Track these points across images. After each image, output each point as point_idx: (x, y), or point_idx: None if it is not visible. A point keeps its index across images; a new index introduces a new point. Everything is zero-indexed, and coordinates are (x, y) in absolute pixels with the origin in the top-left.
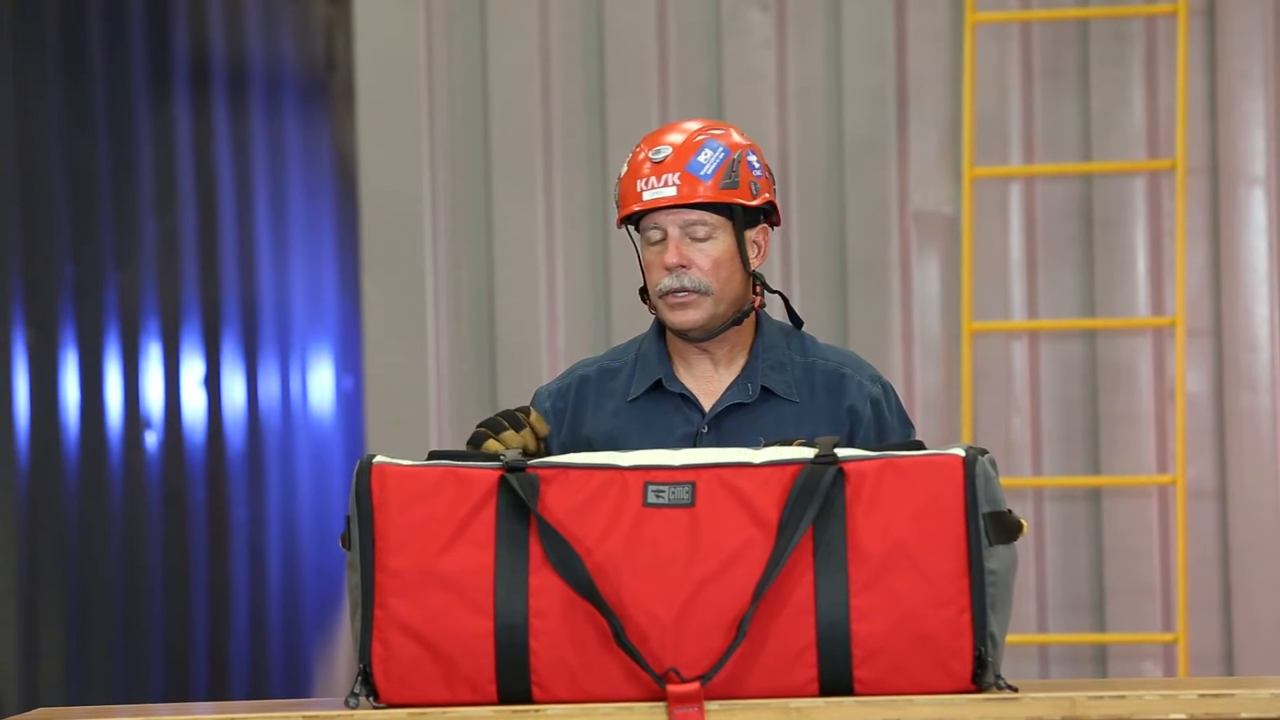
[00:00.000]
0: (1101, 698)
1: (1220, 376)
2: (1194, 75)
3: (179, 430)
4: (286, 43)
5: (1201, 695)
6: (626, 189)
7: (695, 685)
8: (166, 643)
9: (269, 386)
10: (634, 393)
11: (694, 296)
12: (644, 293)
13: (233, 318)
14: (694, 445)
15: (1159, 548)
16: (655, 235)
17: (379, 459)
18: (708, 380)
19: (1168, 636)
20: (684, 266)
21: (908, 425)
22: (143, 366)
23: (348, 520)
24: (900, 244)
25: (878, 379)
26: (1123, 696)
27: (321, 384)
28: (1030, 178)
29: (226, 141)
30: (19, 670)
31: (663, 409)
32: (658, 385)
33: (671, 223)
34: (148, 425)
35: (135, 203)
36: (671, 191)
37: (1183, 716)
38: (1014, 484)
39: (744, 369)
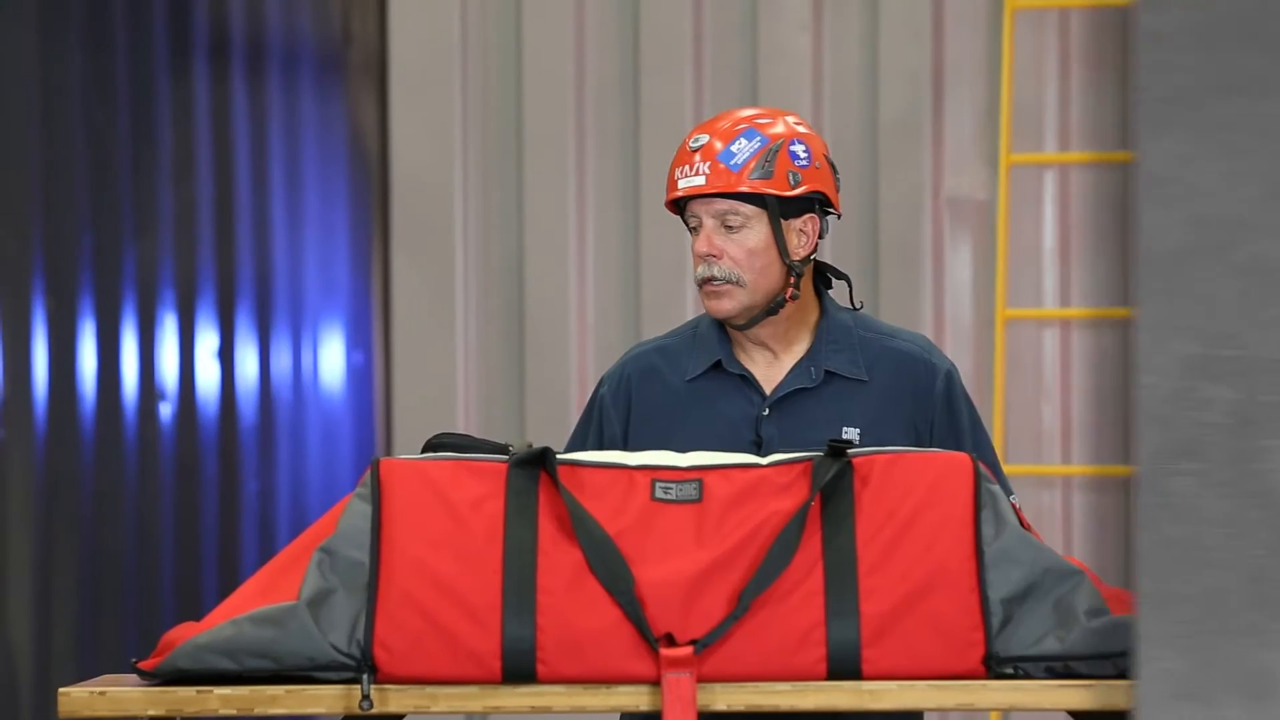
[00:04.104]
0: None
1: None
2: None
3: (193, 402)
4: (305, 16)
5: None
6: (670, 175)
7: (689, 649)
8: (178, 615)
9: (280, 360)
10: (692, 372)
11: (726, 286)
12: None
13: (247, 290)
14: (755, 427)
15: None
16: (693, 223)
17: (387, 461)
18: (768, 364)
19: None
20: (714, 256)
21: (973, 408)
22: (158, 337)
23: None
24: (933, 229)
25: (946, 361)
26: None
27: (332, 359)
28: (1065, 165)
29: (244, 114)
30: (31, 642)
31: (723, 389)
32: (716, 366)
33: (705, 212)
34: (162, 397)
35: (154, 172)
36: (700, 181)
37: None
38: (1043, 472)
39: (808, 352)
